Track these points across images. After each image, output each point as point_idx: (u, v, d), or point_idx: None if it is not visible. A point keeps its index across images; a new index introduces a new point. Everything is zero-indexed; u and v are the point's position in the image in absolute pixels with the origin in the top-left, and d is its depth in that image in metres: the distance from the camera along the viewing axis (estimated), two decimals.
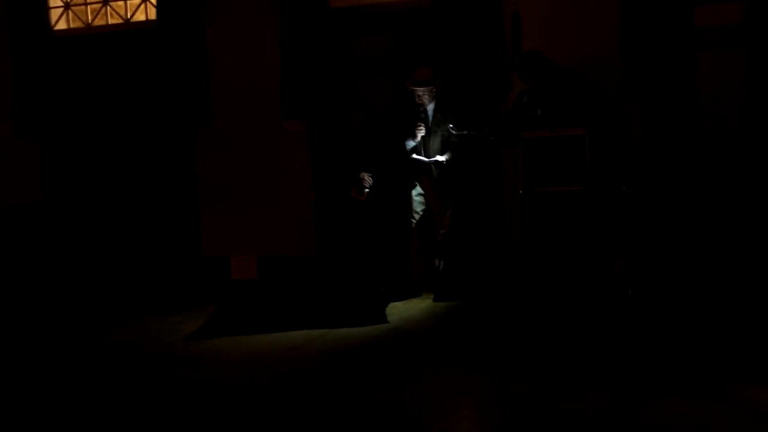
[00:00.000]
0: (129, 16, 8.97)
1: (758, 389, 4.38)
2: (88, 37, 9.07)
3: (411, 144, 7.21)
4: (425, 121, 7.17)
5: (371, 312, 6.66)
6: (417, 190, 7.29)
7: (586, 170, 6.42)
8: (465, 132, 7.07)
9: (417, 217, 7.31)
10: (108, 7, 9.03)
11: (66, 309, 7.82)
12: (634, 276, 6.48)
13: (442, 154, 7.16)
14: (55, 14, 9.20)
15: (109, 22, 9.04)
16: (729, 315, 6.00)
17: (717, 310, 6.15)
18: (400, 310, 6.84)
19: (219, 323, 6.66)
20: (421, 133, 7.13)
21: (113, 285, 8.65)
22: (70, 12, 9.17)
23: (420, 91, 7.13)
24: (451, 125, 7.07)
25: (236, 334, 6.36)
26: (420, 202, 7.31)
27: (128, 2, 8.97)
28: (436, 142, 7.19)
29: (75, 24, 9.18)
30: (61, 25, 9.20)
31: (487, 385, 4.87)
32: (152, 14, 8.75)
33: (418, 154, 7.20)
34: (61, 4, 9.18)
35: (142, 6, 8.89)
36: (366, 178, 7.21)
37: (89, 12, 9.12)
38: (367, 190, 7.22)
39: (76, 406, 4.86)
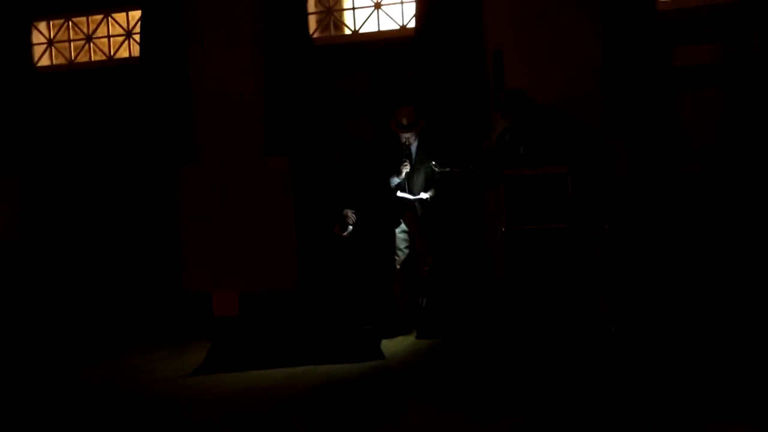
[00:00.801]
0: (112, 53, 8.98)
1: (741, 427, 4.38)
2: (71, 73, 9.08)
3: (395, 181, 7.21)
4: (409, 157, 7.19)
5: (366, 348, 6.63)
6: (401, 228, 7.29)
7: (569, 208, 6.45)
8: (448, 169, 7.09)
9: (401, 254, 7.30)
10: (91, 44, 9.06)
11: (45, 346, 7.72)
12: (617, 313, 6.49)
13: (426, 191, 7.18)
14: (38, 51, 9.22)
15: (92, 59, 9.06)
16: (712, 352, 6.01)
17: (700, 347, 6.16)
18: (384, 347, 6.80)
19: (202, 360, 6.58)
20: (406, 169, 7.13)
21: (93, 321, 8.56)
22: (53, 48, 9.19)
23: (406, 134, 7.16)
24: (434, 162, 7.10)
25: (220, 371, 6.30)
26: (404, 240, 7.30)
27: (111, 39, 8.99)
28: (419, 179, 7.20)
29: (58, 60, 9.20)
30: (44, 62, 9.21)
31: (470, 422, 4.83)
32: (135, 51, 8.77)
33: (402, 191, 7.21)
34: (44, 40, 9.20)
35: (126, 42, 8.92)
36: (349, 215, 7.22)
37: (72, 48, 9.14)
38: (350, 227, 7.23)
39: None
